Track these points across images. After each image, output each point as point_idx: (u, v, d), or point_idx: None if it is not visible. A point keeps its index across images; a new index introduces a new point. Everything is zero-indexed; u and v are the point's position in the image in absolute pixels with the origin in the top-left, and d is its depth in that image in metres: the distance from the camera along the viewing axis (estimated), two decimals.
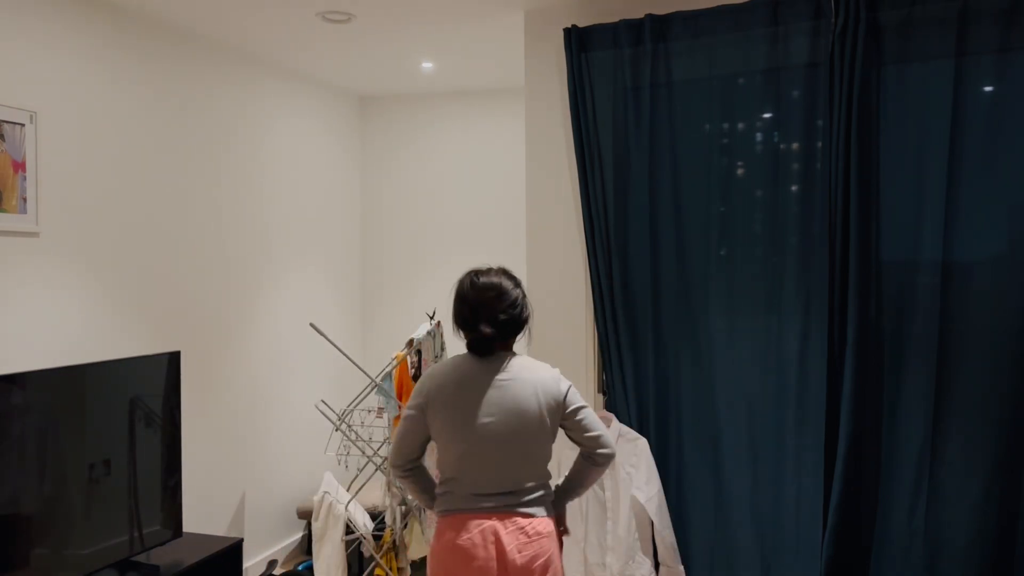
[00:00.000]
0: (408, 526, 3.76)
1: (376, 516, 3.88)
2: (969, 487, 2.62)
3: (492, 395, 2.03)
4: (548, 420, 2.04)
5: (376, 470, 3.67)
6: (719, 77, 2.91)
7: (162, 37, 3.38)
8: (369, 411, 3.91)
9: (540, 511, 2.03)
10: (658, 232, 3.02)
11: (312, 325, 3.38)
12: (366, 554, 3.80)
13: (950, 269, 2.62)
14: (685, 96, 2.96)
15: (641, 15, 2.98)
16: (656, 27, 2.94)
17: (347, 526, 3.65)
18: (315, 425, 4.37)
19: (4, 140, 2.71)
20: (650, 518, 2.88)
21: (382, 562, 3.66)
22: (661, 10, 2.98)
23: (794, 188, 2.83)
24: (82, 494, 2.69)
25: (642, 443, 2.94)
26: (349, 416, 3.59)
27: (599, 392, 3.27)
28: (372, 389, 3.61)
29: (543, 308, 3.30)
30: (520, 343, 2.16)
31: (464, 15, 3.31)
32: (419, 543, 3.77)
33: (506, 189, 4.64)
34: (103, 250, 3.11)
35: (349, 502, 3.65)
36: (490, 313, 2.05)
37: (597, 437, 2.06)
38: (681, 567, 2.93)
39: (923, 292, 2.65)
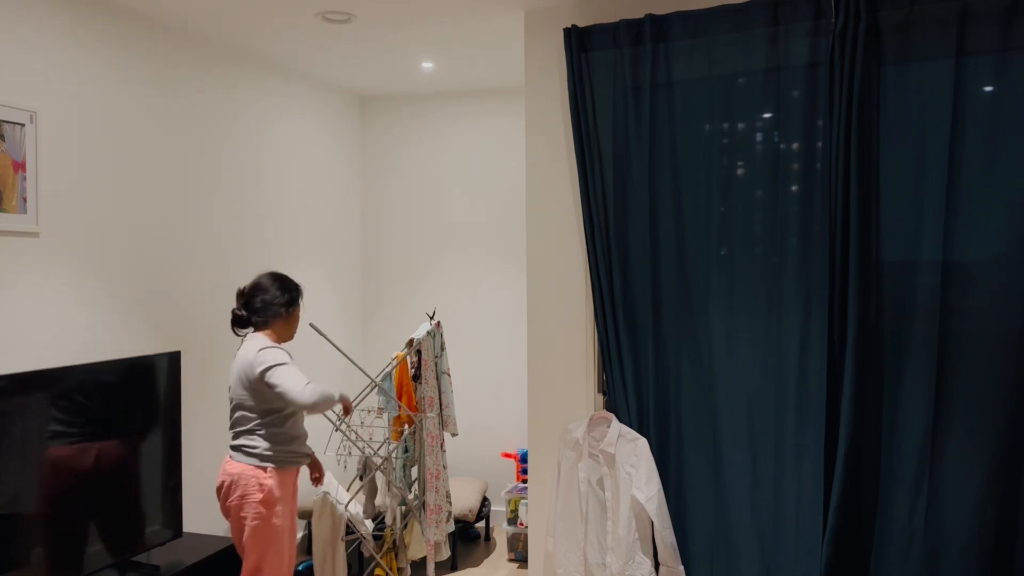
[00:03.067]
0: (408, 526, 3.76)
1: (376, 516, 3.88)
2: (969, 487, 2.61)
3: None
4: (245, 387, 2.73)
5: (376, 470, 3.67)
6: (719, 77, 2.90)
7: (162, 37, 3.38)
8: (369, 411, 3.91)
9: (236, 455, 2.76)
10: (658, 232, 3.02)
11: (312, 325, 3.38)
12: (366, 554, 3.80)
13: (950, 269, 2.61)
14: (685, 96, 2.96)
15: (641, 15, 2.98)
16: (656, 27, 2.94)
17: (347, 526, 3.65)
18: (315, 425, 4.36)
19: (4, 140, 2.71)
20: (650, 518, 2.88)
21: (382, 562, 3.66)
22: (661, 10, 2.98)
23: (794, 188, 2.83)
24: (82, 494, 2.68)
25: (642, 443, 2.94)
26: (349, 416, 3.59)
27: (599, 392, 3.27)
28: (372, 389, 3.61)
29: (543, 308, 3.30)
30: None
31: (464, 15, 3.31)
32: (419, 543, 3.77)
33: (506, 189, 4.64)
34: (103, 250, 3.11)
35: (349, 502, 3.65)
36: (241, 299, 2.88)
37: (276, 389, 2.67)
38: (681, 567, 2.93)
39: (923, 292, 2.65)
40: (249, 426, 2.76)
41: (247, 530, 2.74)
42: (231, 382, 2.80)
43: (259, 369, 2.67)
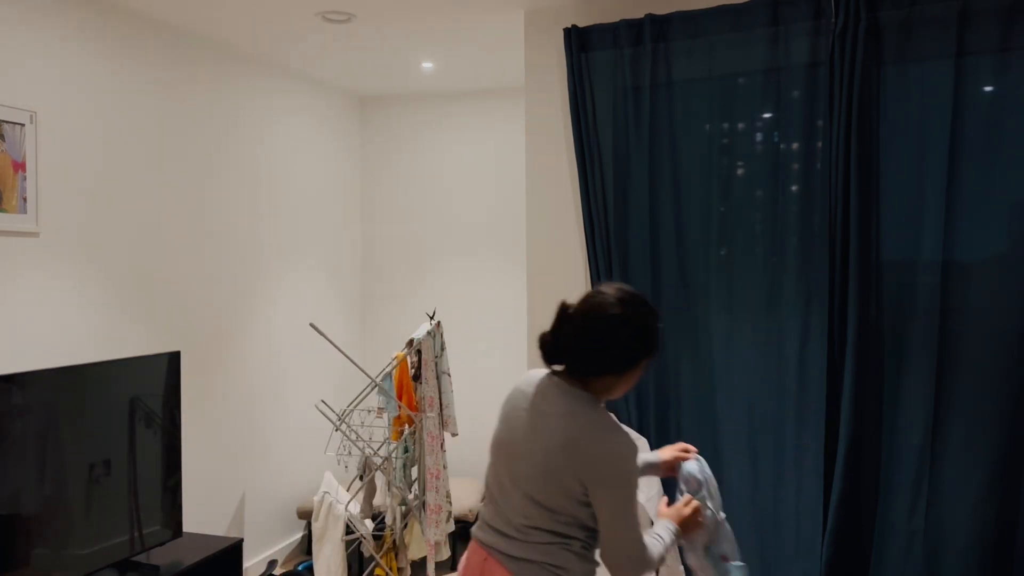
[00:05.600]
0: (408, 526, 3.76)
1: (376, 516, 3.88)
2: (969, 487, 2.62)
3: None
4: (555, 474, 1.78)
5: (376, 470, 3.67)
6: (719, 77, 2.90)
7: (162, 37, 3.38)
8: (369, 411, 3.90)
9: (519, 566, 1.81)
10: (658, 232, 3.02)
11: (312, 325, 3.38)
12: (366, 554, 3.80)
13: (950, 268, 2.62)
14: (685, 96, 2.96)
15: (641, 15, 2.98)
16: (656, 27, 2.94)
17: (347, 526, 3.65)
18: (315, 425, 4.37)
19: (4, 140, 2.71)
20: (650, 518, 2.88)
21: (382, 562, 3.65)
22: (661, 10, 2.98)
23: (794, 188, 2.83)
24: (82, 494, 2.68)
25: (642, 443, 2.94)
26: (349, 416, 3.59)
27: None
28: (372, 389, 3.61)
29: (543, 308, 3.30)
30: None
31: (464, 15, 3.31)
32: (419, 543, 3.76)
33: (506, 189, 4.64)
34: (103, 250, 3.11)
35: (349, 502, 3.65)
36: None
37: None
38: (681, 567, 2.92)
39: (923, 292, 2.65)
40: (551, 536, 1.77)
41: None
42: (518, 442, 1.79)
43: (606, 484, 1.68)
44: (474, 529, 1.90)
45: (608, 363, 1.74)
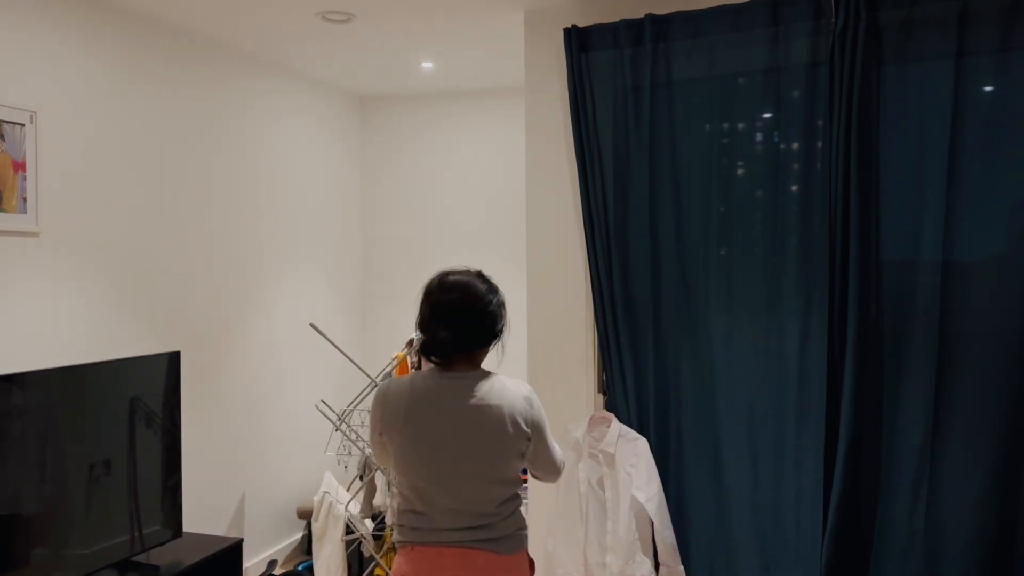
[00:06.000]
0: None
1: (376, 516, 3.88)
2: (969, 487, 2.62)
3: None
4: (508, 443, 1.93)
5: (376, 470, 3.67)
6: (719, 77, 2.90)
7: (163, 37, 3.38)
8: (369, 411, 3.91)
9: (500, 546, 1.93)
10: (658, 232, 3.02)
11: (312, 325, 3.38)
12: (366, 554, 3.80)
13: (950, 268, 2.62)
14: (685, 96, 2.96)
15: (641, 15, 2.98)
16: (656, 27, 2.94)
17: (347, 526, 3.66)
18: (315, 425, 4.37)
19: (4, 140, 2.71)
20: (650, 518, 2.88)
21: (382, 562, 3.66)
22: (661, 10, 2.98)
23: (794, 188, 2.83)
24: (82, 494, 2.69)
25: (642, 443, 2.94)
26: (349, 416, 3.60)
27: (599, 392, 3.28)
28: (372, 389, 3.61)
29: (543, 308, 3.30)
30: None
31: (464, 15, 3.31)
32: None
33: (506, 189, 4.64)
34: (103, 250, 3.11)
35: (349, 502, 3.65)
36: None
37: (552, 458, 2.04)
38: (681, 567, 2.93)
39: (923, 292, 2.65)
40: (514, 501, 1.94)
41: None
42: (462, 446, 1.83)
43: (541, 423, 1.92)
44: (418, 536, 1.88)
45: (495, 331, 1.94)
